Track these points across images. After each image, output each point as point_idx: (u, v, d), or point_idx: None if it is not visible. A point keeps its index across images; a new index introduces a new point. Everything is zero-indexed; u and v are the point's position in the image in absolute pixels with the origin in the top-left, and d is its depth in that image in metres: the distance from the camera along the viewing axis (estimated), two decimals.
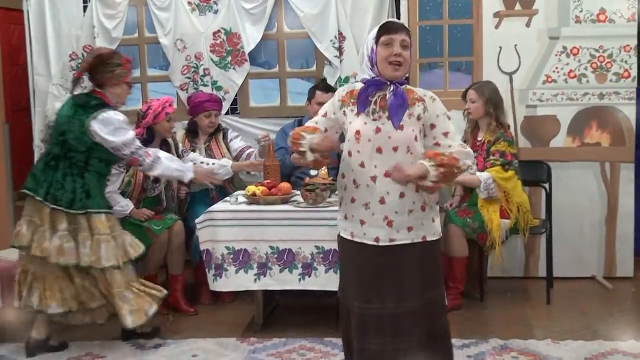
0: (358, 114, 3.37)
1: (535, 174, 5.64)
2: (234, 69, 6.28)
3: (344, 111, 3.45)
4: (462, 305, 5.25)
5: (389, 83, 3.36)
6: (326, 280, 4.68)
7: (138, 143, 4.57)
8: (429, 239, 3.42)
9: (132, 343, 4.76)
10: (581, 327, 4.84)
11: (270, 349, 4.59)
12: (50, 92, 6.39)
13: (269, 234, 4.69)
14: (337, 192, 4.95)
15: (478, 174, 5.18)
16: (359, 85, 3.45)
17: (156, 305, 4.60)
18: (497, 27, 5.82)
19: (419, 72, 5.94)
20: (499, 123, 5.28)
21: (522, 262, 5.98)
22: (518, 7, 5.79)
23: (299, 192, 4.93)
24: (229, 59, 6.27)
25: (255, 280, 4.74)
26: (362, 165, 3.35)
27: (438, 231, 3.49)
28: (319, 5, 6.09)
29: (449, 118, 3.43)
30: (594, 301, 5.44)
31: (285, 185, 4.97)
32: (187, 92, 6.28)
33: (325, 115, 3.53)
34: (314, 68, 6.31)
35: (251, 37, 6.23)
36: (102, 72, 4.52)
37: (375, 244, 3.36)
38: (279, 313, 5.32)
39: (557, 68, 5.79)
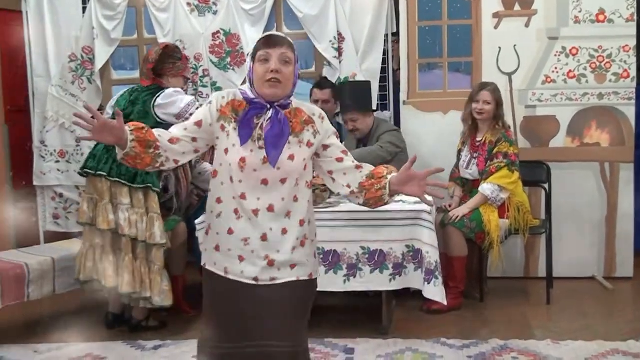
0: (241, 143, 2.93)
1: (534, 174, 5.66)
2: (233, 69, 6.29)
3: (222, 125, 2.95)
4: (462, 305, 5.26)
5: (268, 106, 2.92)
6: (326, 281, 4.68)
7: (197, 103, 4.88)
8: (314, 276, 3.07)
9: (132, 344, 4.77)
10: (581, 327, 4.85)
11: None
12: (50, 93, 6.40)
13: None
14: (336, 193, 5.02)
15: (480, 188, 5.25)
16: (239, 95, 2.98)
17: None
18: (496, 27, 5.84)
19: (418, 73, 5.95)
20: (502, 124, 5.33)
21: (522, 262, 5.99)
22: (517, 7, 5.81)
23: None
24: (228, 59, 6.28)
25: None
26: (243, 197, 2.91)
27: (318, 269, 3.16)
28: (317, 5, 6.10)
29: (337, 137, 3.12)
30: (593, 301, 5.45)
31: None
32: (187, 93, 6.27)
33: (198, 124, 2.97)
34: (313, 69, 6.33)
35: (250, 37, 6.22)
36: (165, 62, 4.98)
37: (253, 282, 2.94)
38: None
39: (556, 68, 5.80)
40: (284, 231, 2.94)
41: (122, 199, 4.80)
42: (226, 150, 2.93)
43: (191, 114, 4.59)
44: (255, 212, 2.90)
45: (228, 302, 2.98)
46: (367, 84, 5.81)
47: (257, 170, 2.89)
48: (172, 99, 4.84)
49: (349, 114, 5.60)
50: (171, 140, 2.95)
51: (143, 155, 2.90)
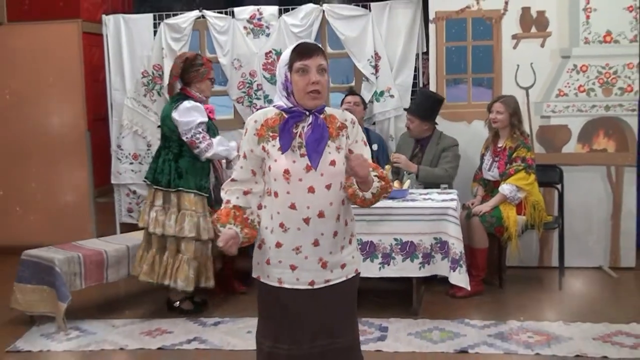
0: (282, 151, 2.73)
1: (548, 176, 5.64)
2: None
3: (263, 146, 2.75)
4: (483, 291, 5.26)
5: (307, 113, 2.72)
6: (363, 268, 4.54)
7: (200, 128, 4.75)
8: (359, 270, 2.93)
9: (194, 320, 4.87)
10: (589, 311, 4.84)
11: None
12: (125, 105, 6.56)
13: None
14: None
15: (500, 188, 5.27)
16: (272, 111, 2.78)
17: (208, 284, 4.95)
18: (514, 47, 5.83)
19: (445, 87, 5.97)
20: (520, 132, 5.33)
21: (537, 254, 5.96)
22: (533, 29, 5.79)
23: None
24: None
25: None
26: (293, 207, 2.71)
27: (361, 260, 3.10)
28: (357, 28, 6.15)
29: (365, 144, 2.87)
30: (600, 288, 5.43)
31: None
32: (243, 105, 6.39)
33: (245, 156, 2.79)
34: (353, 83, 6.37)
35: None
36: (189, 71, 4.84)
37: (309, 287, 2.79)
38: None
39: (568, 83, 5.78)
40: (335, 234, 2.77)
41: (157, 201, 4.86)
42: (270, 168, 2.73)
43: (191, 135, 4.69)
44: (307, 220, 2.71)
45: (284, 310, 2.80)
46: (439, 100, 5.69)
47: (302, 179, 2.69)
48: (183, 119, 4.73)
49: (410, 114, 5.65)
50: (246, 193, 2.80)
51: (253, 231, 2.78)
